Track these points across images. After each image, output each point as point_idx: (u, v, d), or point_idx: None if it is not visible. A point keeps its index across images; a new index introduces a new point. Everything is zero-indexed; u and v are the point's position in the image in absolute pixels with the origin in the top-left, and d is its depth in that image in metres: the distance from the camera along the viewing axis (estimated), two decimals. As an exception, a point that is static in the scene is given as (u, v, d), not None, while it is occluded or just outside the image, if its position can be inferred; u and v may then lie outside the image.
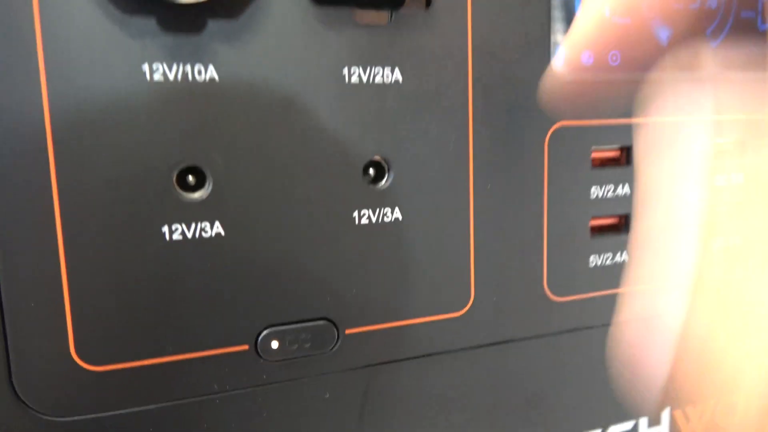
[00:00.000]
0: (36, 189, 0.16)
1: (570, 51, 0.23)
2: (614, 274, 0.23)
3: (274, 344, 0.19)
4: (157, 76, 0.16)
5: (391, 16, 0.19)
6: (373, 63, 0.19)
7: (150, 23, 0.16)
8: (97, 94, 0.16)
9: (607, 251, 0.23)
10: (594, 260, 0.23)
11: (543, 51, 0.21)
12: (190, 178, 0.17)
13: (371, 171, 0.20)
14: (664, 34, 0.25)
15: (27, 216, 0.16)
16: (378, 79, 0.19)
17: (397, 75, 0.19)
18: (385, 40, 0.19)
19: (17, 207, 0.16)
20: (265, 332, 0.19)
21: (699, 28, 0.25)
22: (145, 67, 0.16)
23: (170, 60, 0.17)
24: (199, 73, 0.17)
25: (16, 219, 0.16)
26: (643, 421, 0.25)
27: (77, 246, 0.16)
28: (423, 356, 0.21)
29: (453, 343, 0.21)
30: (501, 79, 0.21)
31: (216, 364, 0.18)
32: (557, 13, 0.22)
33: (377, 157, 0.19)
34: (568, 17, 0.23)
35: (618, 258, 0.23)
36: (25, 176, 0.16)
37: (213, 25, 0.17)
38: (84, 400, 0.17)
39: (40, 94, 0.16)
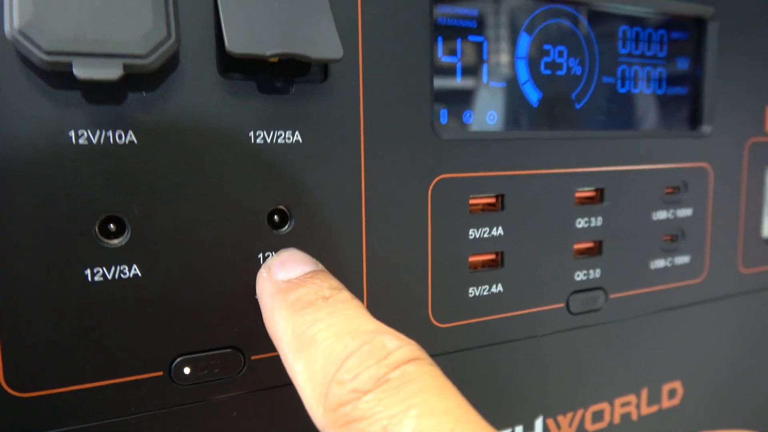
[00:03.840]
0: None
1: (452, 111, 0.27)
2: (489, 304, 0.27)
3: (186, 370, 0.21)
4: (82, 141, 0.19)
5: (291, 88, 0.22)
6: (276, 127, 0.22)
7: (75, 95, 0.19)
8: (27, 154, 0.19)
9: (483, 284, 0.27)
10: (473, 291, 0.27)
11: (426, 112, 0.25)
12: (111, 226, 0.20)
13: (276, 218, 0.23)
14: (535, 97, 0.29)
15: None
16: (280, 140, 0.22)
17: (298, 136, 0.22)
18: (286, 107, 0.22)
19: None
20: (178, 360, 0.21)
21: (567, 91, 0.30)
22: (71, 132, 0.19)
23: (93, 127, 0.19)
24: (120, 137, 0.20)
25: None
26: (519, 429, 0.29)
27: (6, 284, 0.19)
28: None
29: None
30: (389, 137, 0.24)
31: (133, 388, 0.21)
32: (439, 80, 0.26)
33: (280, 206, 0.23)
34: (450, 83, 0.27)
35: (494, 289, 0.27)
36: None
37: (132, 97, 0.20)
38: (12, 423, 0.19)
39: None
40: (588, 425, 0.31)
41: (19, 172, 0.18)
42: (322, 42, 0.21)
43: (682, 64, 0.33)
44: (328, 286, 0.20)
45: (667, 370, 0.33)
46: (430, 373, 0.16)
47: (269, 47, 0.20)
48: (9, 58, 0.18)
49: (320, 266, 0.21)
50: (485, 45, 0.27)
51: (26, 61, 0.18)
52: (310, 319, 0.18)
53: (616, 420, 0.32)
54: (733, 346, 0.36)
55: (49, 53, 0.17)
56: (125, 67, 0.17)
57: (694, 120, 0.33)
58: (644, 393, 0.33)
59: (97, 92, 0.19)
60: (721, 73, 0.33)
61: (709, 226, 0.34)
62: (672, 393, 0.34)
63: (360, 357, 0.16)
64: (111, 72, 0.17)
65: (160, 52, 0.18)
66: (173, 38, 0.18)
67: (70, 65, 0.17)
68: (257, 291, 0.21)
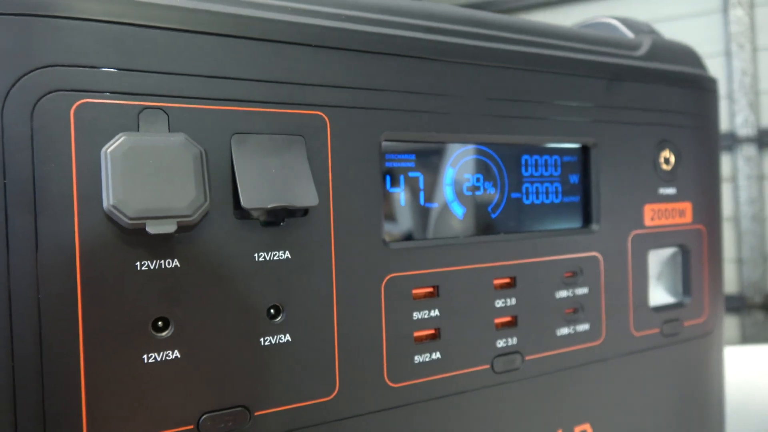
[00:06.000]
0: (65, 328, 0.27)
1: (395, 230, 0.37)
2: (431, 368, 0.36)
3: (209, 424, 0.30)
4: (144, 267, 0.29)
5: (283, 222, 0.32)
6: (273, 249, 0.32)
7: (142, 240, 0.29)
8: (107, 274, 0.28)
9: (426, 352, 0.36)
10: (417, 359, 0.36)
11: (379, 229, 0.35)
12: (160, 323, 0.29)
13: (272, 311, 0.32)
14: (460, 212, 0.39)
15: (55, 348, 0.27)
16: (276, 258, 0.32)
17: (288, 254, 0.32)
18: (280, 234, 0.32)
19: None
20: (204, 416, 0.30)
21: (484, 206, 0.40)
22: (137, 263, 0.29)
23: (151, 258, 0.29)
24: (169, 263, 0.29)
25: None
26: (458, 464, 0.38)
27: (89, 368, 0.28)
28: (308, 426, 0.33)
29: (326, 417, 0.33)
30: (352, 249, 0.34)
31: (172, 438, 0.30)
32: (388, 205, 0.37)
33: (276, 303, 0.32)
34: (396, 206, 0.37)
35: (433, 356, 0.37)
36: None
37: (178, 237, 0.29)
38: (89, 466, 0.28)
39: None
40: (514, 461, 0.40)
41: (101, 290, 0.28)
42: (304, 194, 0.31)
43: (574, 180, 0.44)
44: None
45: (577, 415, 0.43)
46: None
47: (269, 201, 0.30)
48: (102, 222, 0.28)
49: None
50: (421, 178, 0.38)
51: (115, 223, 0.28)
52: None
53: (538, 456, 0.41)
54: (631, 394, 0.46)
55: (131, 219, 0.27)
56: (178, 224, 0.27)
57: (585, 220, 0.44)
58: (559, 433, 0.42)
59: (155, 238, 0.29)
60: (604, 183, 0.44)
61: (603, 300, 0.44)
62: (582, 433, 0.43)
63: None
64: (169, 228, 0.27)
65: (200, 212, 0.28)
66: (208, 201, 0.28)
67: (144, 225, 0.27)
68: None
